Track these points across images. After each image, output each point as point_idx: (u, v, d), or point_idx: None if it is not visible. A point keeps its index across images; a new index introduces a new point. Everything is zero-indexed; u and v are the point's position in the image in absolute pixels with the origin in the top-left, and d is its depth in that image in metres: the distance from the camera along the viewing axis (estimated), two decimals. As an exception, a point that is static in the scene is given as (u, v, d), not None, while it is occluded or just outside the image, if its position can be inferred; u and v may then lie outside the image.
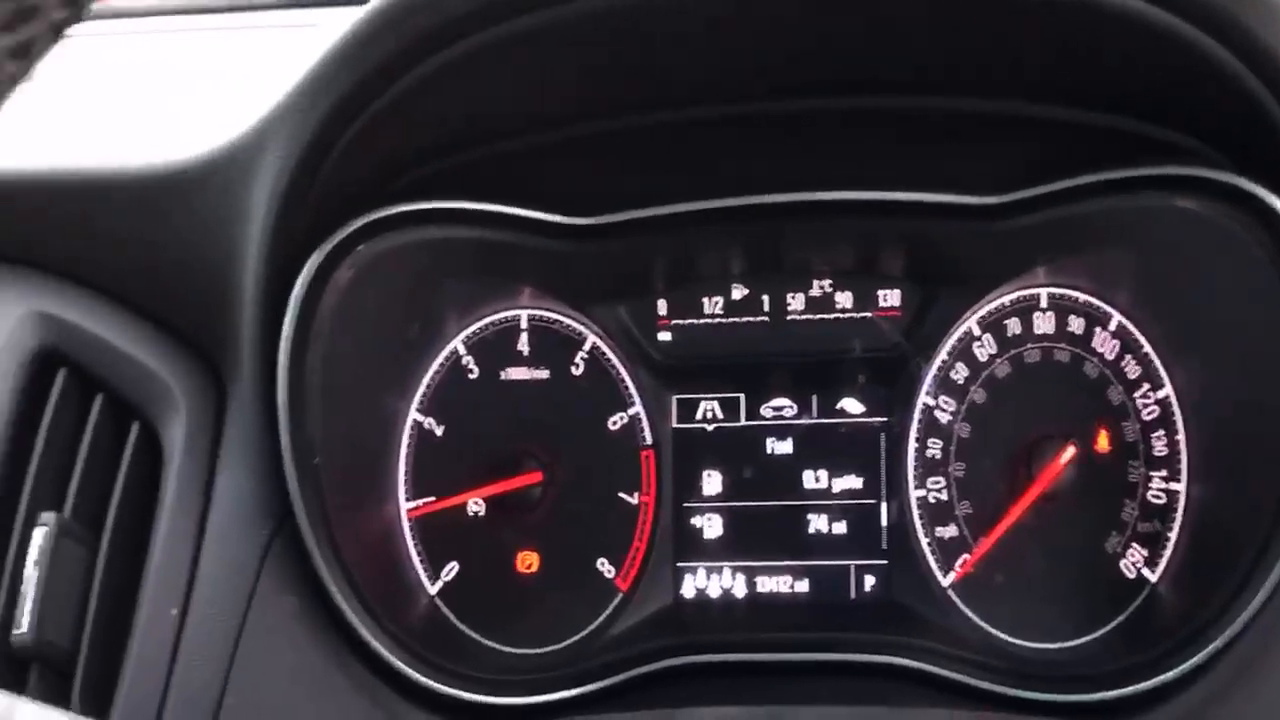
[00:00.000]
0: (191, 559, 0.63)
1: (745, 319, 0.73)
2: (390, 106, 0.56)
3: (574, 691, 0.66)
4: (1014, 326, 0.71)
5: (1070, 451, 0.69)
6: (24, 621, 0.60)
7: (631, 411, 0.73)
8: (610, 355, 0.73)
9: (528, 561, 0.73)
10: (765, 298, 0.73)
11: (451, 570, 0.73)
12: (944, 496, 0.71)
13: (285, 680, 0.62)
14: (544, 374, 0.73)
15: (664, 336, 0.73)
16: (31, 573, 0.60)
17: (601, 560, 0.72)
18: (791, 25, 0.58)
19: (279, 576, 0.63)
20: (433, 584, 0.73)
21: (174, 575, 0.62)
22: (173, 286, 0.65)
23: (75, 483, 0.63)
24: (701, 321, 0.73)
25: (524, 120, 0.63)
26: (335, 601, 0.64)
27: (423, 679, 0.65)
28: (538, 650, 0.72)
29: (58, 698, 0.61)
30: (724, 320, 0.73)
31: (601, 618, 0.72)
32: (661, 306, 0.73)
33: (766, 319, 0.73)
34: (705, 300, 0.73)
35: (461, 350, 0.74)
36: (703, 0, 0.54)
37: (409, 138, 0.62)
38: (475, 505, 0.73)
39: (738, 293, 0.73)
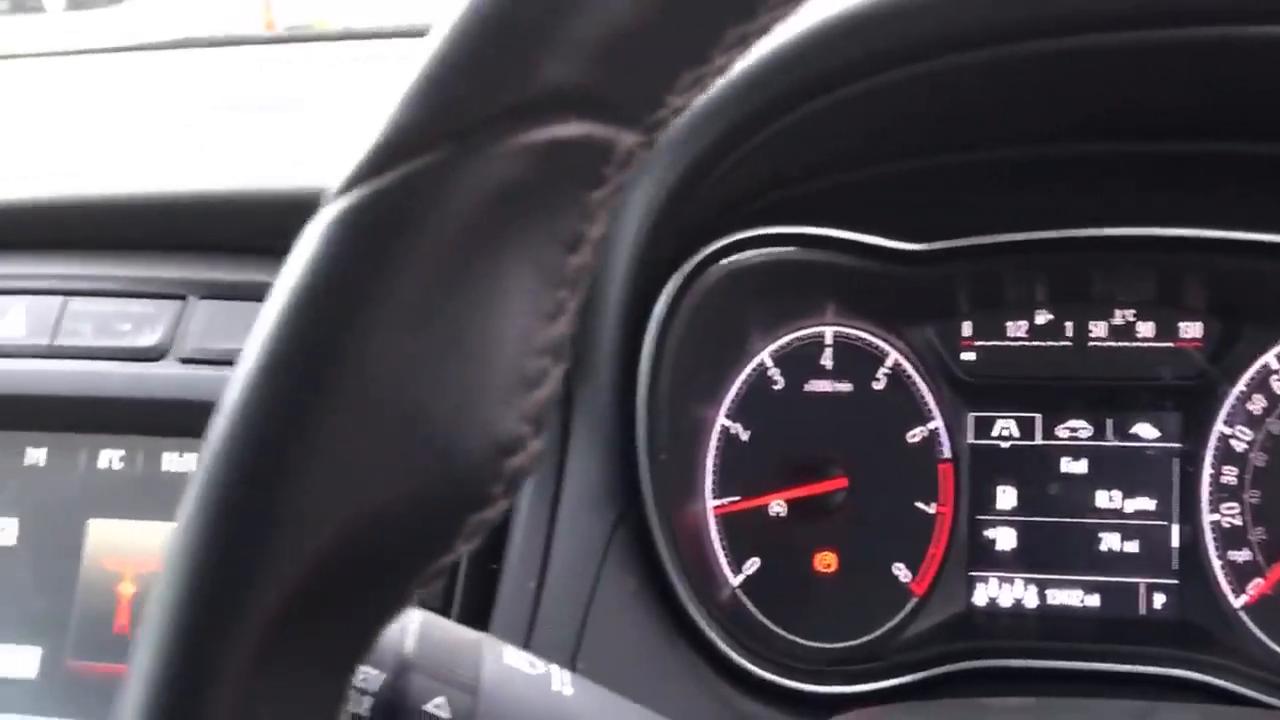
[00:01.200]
0: (546, 536, 0.70)
1: (1048, 343, 0.77)
2: (774, 137, 0.61)
3: (888, 683, 0.72)
4: (1315, 361, 0.74)
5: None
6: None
7: (931, 426, 0.77)
8: (912, 372, 0.78)
9: (826, 561, 0.78)
10: (1069, 324, 0.76)
11: (753, 565, 0.78)
12: (1238, 521, 0.74)
13: (626, 655, 0.69)
14: (846, 387, 0.78)
15: (967, 356, 0.78)
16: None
17: (898, 565, 0.77)
18: (1143, 75, 0.63)
19: (620, 560, 0.70)
20: (735, 576, 0.78)
21: (531, 550, 0.69)
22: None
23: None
24: (1004, 344, 0.77)
25: (878, 152, 0.69)
26: (672, 585, 0.70)
27: (745, 663, 0.71)
28: (834, 645, 0.77)
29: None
30: (1027, 344, 0.77)
31: (897, 619, 0.76)
32: (966, 328, 0.77)
33: (1069, 344, 0.77)
34: (1009, 324, 0.77)
35: (768, 362, 0.79)
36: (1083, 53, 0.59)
37: (776, 166, 0.68)
38: (777, 506, 0.79)
39: (1041, 318, 0.77)
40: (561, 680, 0.47)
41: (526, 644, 0.68)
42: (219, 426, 0.32)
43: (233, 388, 0.32)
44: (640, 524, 0.70)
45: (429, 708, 0.45)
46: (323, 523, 0.31)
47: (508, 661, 0.47)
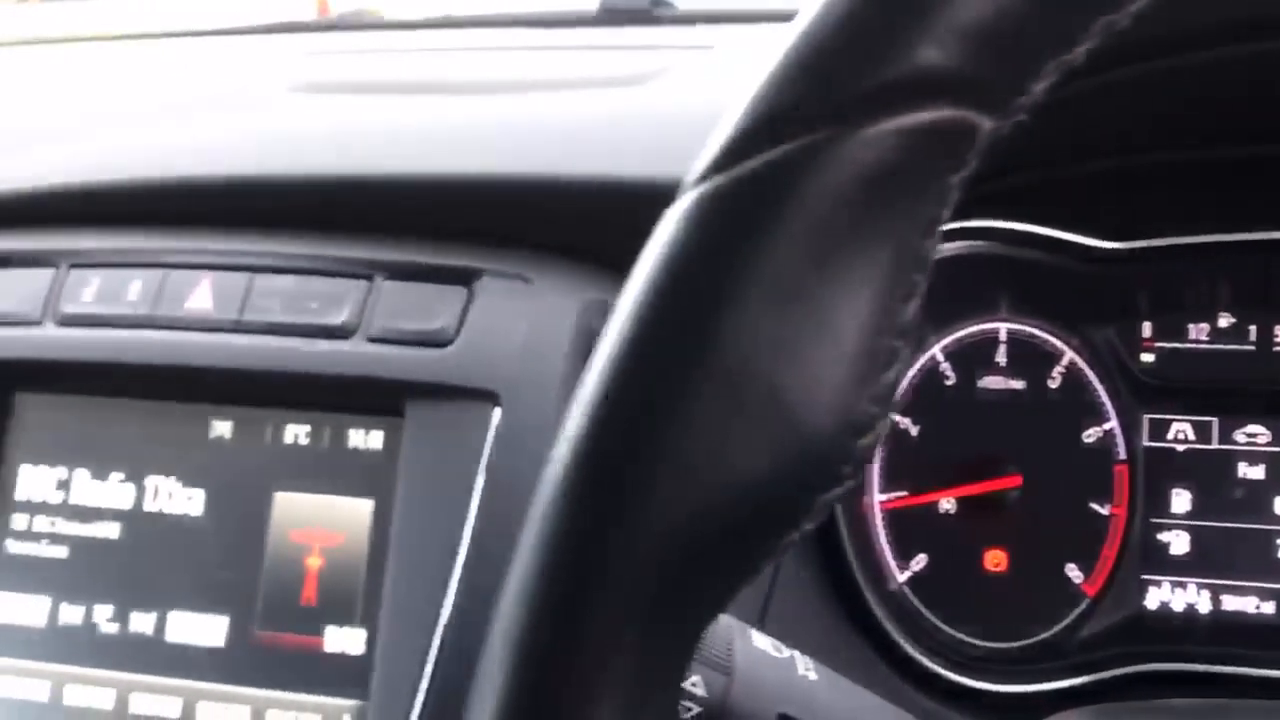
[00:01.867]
0: None
1: (1229, 347, 0.76)
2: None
3: (1060, 684, 0.71)
4: None
5: None
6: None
7: (1106, 426, 0.77)
8: (1088, 371, 0.77)
9: (996, 560, 0.77)
10: (1252, 328, 0.76)
11: (920, 562, 0.78)
12: None
13: (803, 648, 0.69)
14: (1019, 385, 0.78)
15: (1146, 358, 0.77)
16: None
17: (1070, 565, 0.76)
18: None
19: (799, 549, 0.70)
20: (902, 573, 0.78)
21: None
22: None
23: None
24: (1185, 346, 0.76)
25: (1103, 145, 0.69)
26: (853, 577, 0.70)
27: (921, 658, 0.71)
28: (1004, 644, 0.76)
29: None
30: (1208, 346, 0.76)
31: (1069, 620, 0.76)
32: (1146, 329, 0.77)
33: (1251, 348, 0.76)
34: (1191, 326, 0.76)
35: (940, 358, 0.79)
36: None
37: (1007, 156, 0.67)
38: (947, 503, 0.78)
39: (1224, 321, 0.76)
40: (806, 665, 0.47)
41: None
42: (587, 399, 0.32)
43: (600, 362, 0.32)
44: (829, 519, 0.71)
45: (685, 685, 0.46)
46: (686, 496, 0.31)
47: (756, 644, 0.47)
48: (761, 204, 0.31)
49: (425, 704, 0.66)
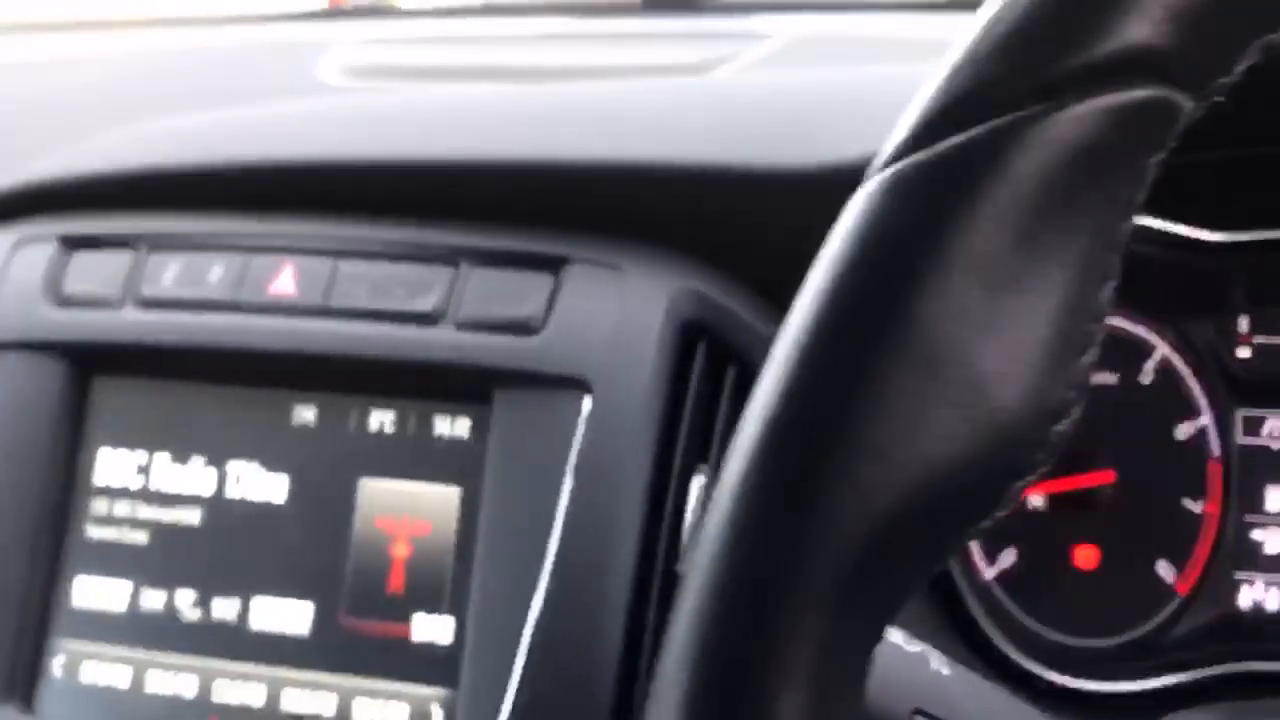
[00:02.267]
0: None
1: (1330, 343, 0.75)
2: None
3: (1153, 683, 0.70)
4: None
5: None
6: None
7: (1200, 423, 0.75)
8: (1181, 366, 0.76)
9: (1086, 557, 0.76)
10: (1353, 324, 0.75)
11: (1009, 558, 0.77)
12: None
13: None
14: (1111, 379, 0.77)
15: (1242, 353, 0.75)
16: (690, 516, 0.68)
17: (1161, 563, 0.75)
18: None
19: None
20: (989, 569, 0.77)
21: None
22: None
23: (716, 442, 0.70)
24: (1283, 341, 0.75)
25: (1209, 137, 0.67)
26: (948, 572, 0.69)
27: (1016, 657, 0.70)
28: (1094, 642, 0.75)
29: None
30: (1307, 342, 0.75)
31: (1161, 618, 0.75)
32: (1244, 323, 0.75)
33: (1352, 345, 0.75)
34: (1290, 320, 0.75)
35: (1028, 350, 0.78)
36: None
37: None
38: (1036, 499, 0.77)
39: (1324, 316, 0.75)
40: (939, 660, 0.46)
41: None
42: (775, 384, 0.31)
43: (787, 346, 0.31)
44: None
45: None
46: (880, 483, 0.30)
47: (890, 638, 0.46)
48: (965, 181, 0.30)
49: (518, 695, 0.65)
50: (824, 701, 0.30)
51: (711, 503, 0.32)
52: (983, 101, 0.30)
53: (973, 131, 0.30)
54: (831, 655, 0.30)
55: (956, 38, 0.32)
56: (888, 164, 0.31)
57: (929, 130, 0.30)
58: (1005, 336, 0.30)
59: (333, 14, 1.21)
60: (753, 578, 0.30)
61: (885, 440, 0.30)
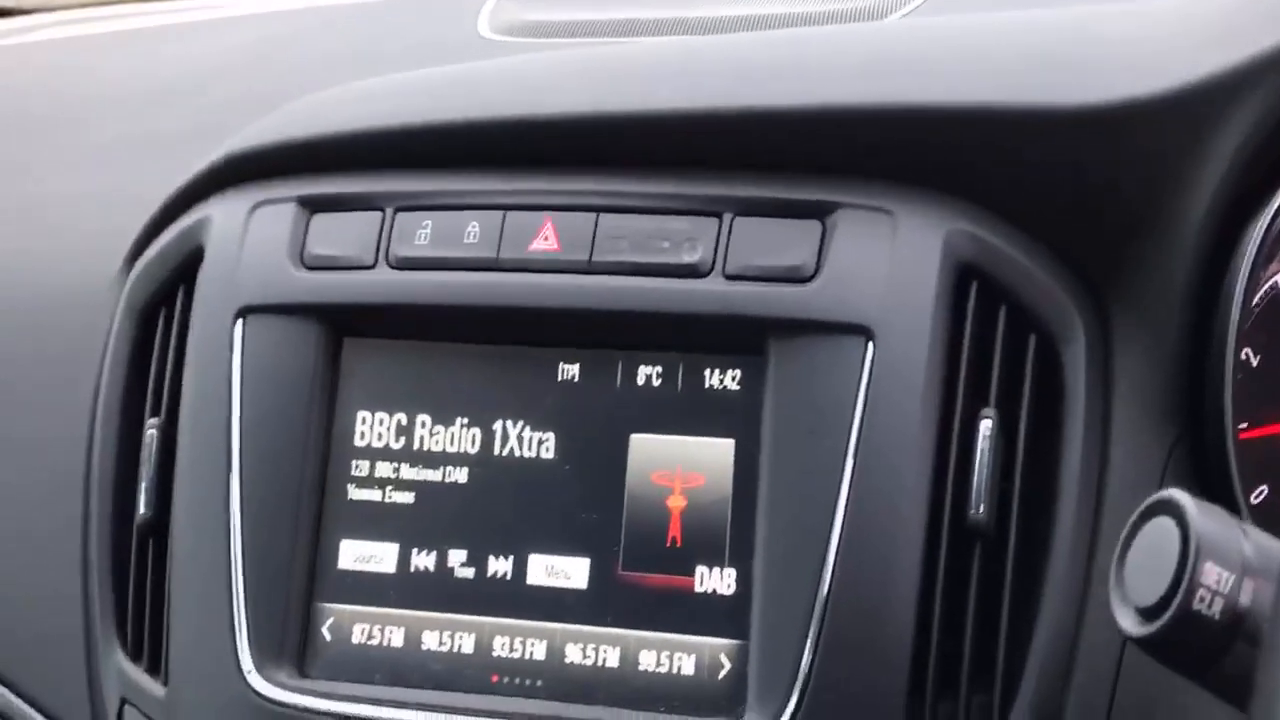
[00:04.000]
0: (1100, 455, 0.69)
1: None
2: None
3: None
4: None
5: None
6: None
7: None
8: None
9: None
10: None
11: (1260, 494, 0.77)
12: None
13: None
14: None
15: None
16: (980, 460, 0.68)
17: None
18: None
19: (1177, 484, 0.69)
20: (1243, 505, 0.77)
21: (1088, 467, 0.68)
22: (1083, 214, 0.71)
23: (994, 384, 0.70)
24: None
25: None
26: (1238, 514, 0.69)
27: None
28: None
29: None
30: None
31: None
32: None
33: None
34: None
35: (1280, 287, 0.78)
36: None
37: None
38: (1290, 436, 0.77)
39: None
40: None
41: (1088, 571, 0.68)
42: None
43: None
44: (1200, 446, 0.70)
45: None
46: None
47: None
48: None
49: (818, 643, 0.65)
50: None
51: None
52: None
53: None
54: None
55: None
56: None
57: None
58: None
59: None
60: None
61: None
